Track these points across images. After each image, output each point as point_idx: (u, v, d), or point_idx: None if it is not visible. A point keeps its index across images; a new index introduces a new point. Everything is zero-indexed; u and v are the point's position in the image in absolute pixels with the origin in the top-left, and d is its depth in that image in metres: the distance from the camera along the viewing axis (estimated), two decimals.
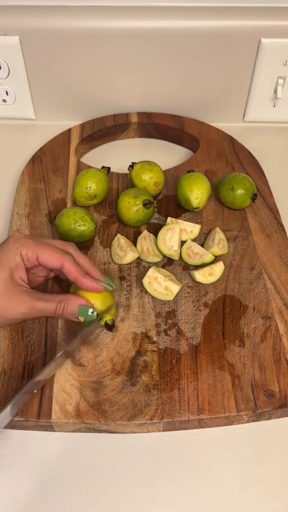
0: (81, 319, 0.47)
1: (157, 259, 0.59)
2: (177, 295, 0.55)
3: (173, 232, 0.60)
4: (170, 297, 0.55)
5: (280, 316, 0.54)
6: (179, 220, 0.62)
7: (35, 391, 0.46)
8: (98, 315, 0.47)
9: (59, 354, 0.47)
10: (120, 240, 0.60)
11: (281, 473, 0.46)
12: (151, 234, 0.62)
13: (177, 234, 0.60)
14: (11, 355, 0.50)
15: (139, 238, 0.61)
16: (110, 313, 0.49)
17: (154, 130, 0.82)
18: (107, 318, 0.49)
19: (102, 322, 0.49)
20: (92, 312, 0.47)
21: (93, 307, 0.47)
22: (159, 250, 0.59)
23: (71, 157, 0.74)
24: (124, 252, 0.59)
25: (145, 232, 0.62)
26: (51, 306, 0.46)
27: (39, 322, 0.53)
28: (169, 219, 0.62)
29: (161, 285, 0.55)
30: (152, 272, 0.55)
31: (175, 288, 0.55)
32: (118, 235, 0.61)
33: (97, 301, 0.48)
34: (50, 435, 0.48)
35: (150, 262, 0.59)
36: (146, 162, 0.67)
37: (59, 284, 0.56)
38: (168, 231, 0.60)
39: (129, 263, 0.59)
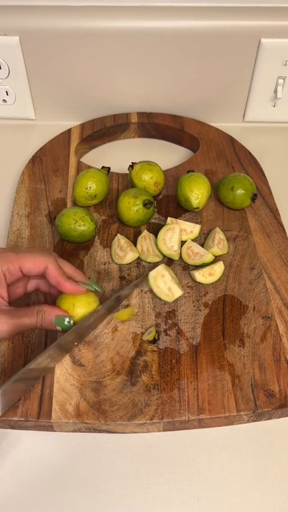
0: (59, 328, 0.47)
1: (157, 259, 0.59)
2: (176, 299, 0.55)
3: (173, 232, 0.60)
4: (170, 299, 0.54)
5: (280, 316, 0.54)
6: (179, 221, 0.62)
7: (30, 386, 0.46)
8: (75, 323, 0.48)
9: (52, 345, 0.47)
10: (120, 240, 0.60)
11: (281, 473, 0.46)
12: (151, 234, 0.62)
13: (177, 234, 0.60)
14: (11, 355, 0.50)
15: (139, 238, 0.61)
16: (152, 333, 0.50)
17: (154, 130, 0.82)
18: (149, 338, 0.50)
19: (151, 337, 0.50)
20: (69, 322, 0.47)
21: (69, 317, 0.47)
22: (159, 250, 0.59)
23: (71, 157, 0.74)
24: (124, 252, 0.59)
25: (145, 232, 0.62)
26: (33, 319, 0.46)
27: None
28: (169, 219, 0.62)
29: (166, 284, 0.55)
30: (161, 268, 0.55)
31: (178, 292, 0.54)
32: (118, 235, 0.61)
33: (81, 305, 0.48)
34: (50, 435, 0.48)
35: (150, 262, 0.59)
36: (146, 162, 0.67)
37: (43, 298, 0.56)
38: (168, 231, 0.60)
39: (129, 263, 0.59)
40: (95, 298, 0.50)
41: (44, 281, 0.51)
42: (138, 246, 0.60)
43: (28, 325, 0.46)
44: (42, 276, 0.48)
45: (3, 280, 0.46)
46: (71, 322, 0.47)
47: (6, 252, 0.47)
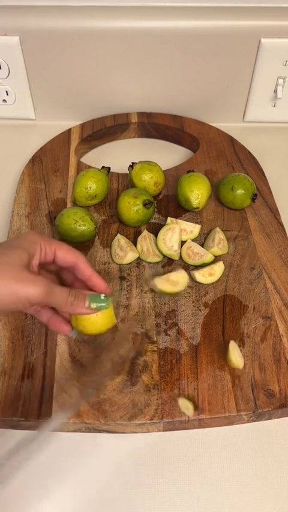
0: (93, 306, 0.44)
1: (157, 259, 0.59)
2: (177, 299, 0.55)
3: (173, 232, 0.60)
4: (178, 289, 0.55)
5: (280, 316, 0.54)
6: (179, 221, 0.62)
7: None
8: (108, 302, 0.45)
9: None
10: (120, 240, 0.60)
11: (281, 473, 0.46)
12: (151, 234, 0.62)
13: (177, 234, 0.60)
14: (11, 355, 0.50)
15: (139, 238, 0.61)
16: (189, 408, 0.48)
17: (154, 130, 0.82)
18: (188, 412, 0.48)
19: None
20: (105, 296, 0.45)
21: (104, 294, 0.45)
22: (159, 250, 0.59)
23: (71, 157, 0.74)
24: (124, 252, 0.59)
25: (145, 232, 0.62)
26: (65, 292, 0.44)
27: (39, 322, 0.53)
28: (169, 219, 0.62)
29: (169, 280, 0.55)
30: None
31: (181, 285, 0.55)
32: (118, 235, 0.61)
33: (98, 321, 0.46)
34: (49, 435, 0.48)
35: (150, 262, 0.59)
36: (146, 162, 0.67)
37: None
38: (168, 231, 0.60)
39: (129, 263, 0.59)
40: (110, 314, 0.47)
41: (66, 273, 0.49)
42: (138, 246, 0.60)
43: (58, 297, 0.43)
44: (70, 268, 0.47)
45: (39, 254, 0.44)
46: (108, 298, 0.45)
47: (45, 235, 0.46)
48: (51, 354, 0.50)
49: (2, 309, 0.40)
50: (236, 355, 0.49)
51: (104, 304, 0.45)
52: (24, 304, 0.41)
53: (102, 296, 0.45)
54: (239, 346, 0.51)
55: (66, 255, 0.46)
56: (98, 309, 0.45)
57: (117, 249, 0.60)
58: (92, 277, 0.46)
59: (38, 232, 0.48)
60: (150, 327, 0.53)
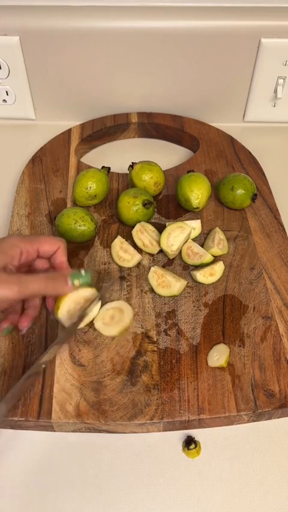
0: (76, 283, 0.48)
1: (154, 250, 0.60)
2: (177, 299, 0.55)
3: (181, 232, 0.59)
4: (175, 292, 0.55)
5: (280, 316, 0.54)
6: (192, 226, 0.62)
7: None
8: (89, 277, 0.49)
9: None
10: (123, 243, 0.60)
11: (281, 473, 0.46)
12: (147, 224, 0.62)
13: (183, 236, 0.59)
14: (11, 355, 0.50)
15: (134, 233, 0.61)
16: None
17: (154, 130, 0.82)
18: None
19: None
20: (85, 271, 0.49)
21: (84, 269, 0.49)
22: (160, 242, 0.59)
23: (71, 157, 0.74)
24: (131, 256, 0.59)
25: (139, 226, 0.61)
26: (40, 279, 0.46)
27: (39, 322, 0.53)
28: (186, 222, 0.61)
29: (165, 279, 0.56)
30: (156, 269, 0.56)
31: (177, 286, 0.55)
32: (118, 237, 0.61)
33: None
34: (50, 435, 0.48)
35: (152, 254, 0.60)
36: (146, 162, 0.67)
37: None
38: (178, 229, 0.59)
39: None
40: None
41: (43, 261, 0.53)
42: (137, 241, 0.60)
43: (35, 285, 0.46)
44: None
45: (18, 256, 0.47)
46: (88, 272, 0.49)
47: (25, 235, 0.50)
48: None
49: None
50: (212, 356, 0.50)
51: (87, 280, 0.48)
52: (4, 305, 0.46)
53: (83, 272, 0.48)
54: (239, 346, 0.51)
55: (49, 248, 0.50)
56: (82, 285, 0.47)
57: (119, 251, 0.60)
58: (63, 265, 0.50)
59: (20, 235, 0.50)
60: (150, 327, 0.53)
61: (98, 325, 0.52)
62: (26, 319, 0.49)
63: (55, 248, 0.50)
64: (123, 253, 0.59)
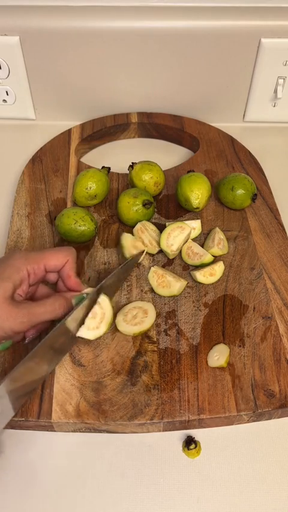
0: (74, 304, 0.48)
1: (154, 250, 0.60)
2: (177, 299, 0.55)
3: (181, 231, 0.59)
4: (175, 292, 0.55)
5: (280, 316, 0.54)
6: (192, 226, 0.62)
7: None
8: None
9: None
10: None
11: (281, 474, 0.46)
12: (148, 222, 0.62)
13: (183, 236, 0.59)
14: (11, 355, 0.50)
15: (136, 231, 0.61)
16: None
17: (154, 130, 0.82)
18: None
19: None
20: (87, 294, 0.49)
21: (85, 292, 0.49)
22: (159, 242, 0.59)
23: (71, 157, 0.74)
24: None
25: (140, 225, 0.61)
26: (48, 306, 0.46)
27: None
28: (186, 222, 0.61)
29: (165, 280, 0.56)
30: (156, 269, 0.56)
31: (177, 286, 0.55)
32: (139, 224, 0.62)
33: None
34: (50, 435, 0.48)
35: (152, 254, 0.60)
36: (146, 162, 0.67)
37: None
38: (178, 229, 0.59)
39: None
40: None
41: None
42: (138, 239, 0.60)
43: (45, 314, 0.46)
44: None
45: (27, 280, 0.47)
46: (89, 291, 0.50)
47: (30, 253, 0.48)
48: None
49: None
50: (212, 356, 0.50)
51: (84, 301, 0.48)
52: (11, 335, 0.45)
53: (85, 293, 0.49)
54: (239, 346, 0.51)
55: (56, 262, 0.48)
56: (78, 306, 0.48)
57: (140, 233, 0.60)
58: (69, 278, 0.49)
59: (24, 254, 0.47)
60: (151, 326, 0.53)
61: (118, 319, 0.52)
62: (32, 329, 0.48)
63: (62, 263, 0.49)
64: (142, 234, 0.60)
